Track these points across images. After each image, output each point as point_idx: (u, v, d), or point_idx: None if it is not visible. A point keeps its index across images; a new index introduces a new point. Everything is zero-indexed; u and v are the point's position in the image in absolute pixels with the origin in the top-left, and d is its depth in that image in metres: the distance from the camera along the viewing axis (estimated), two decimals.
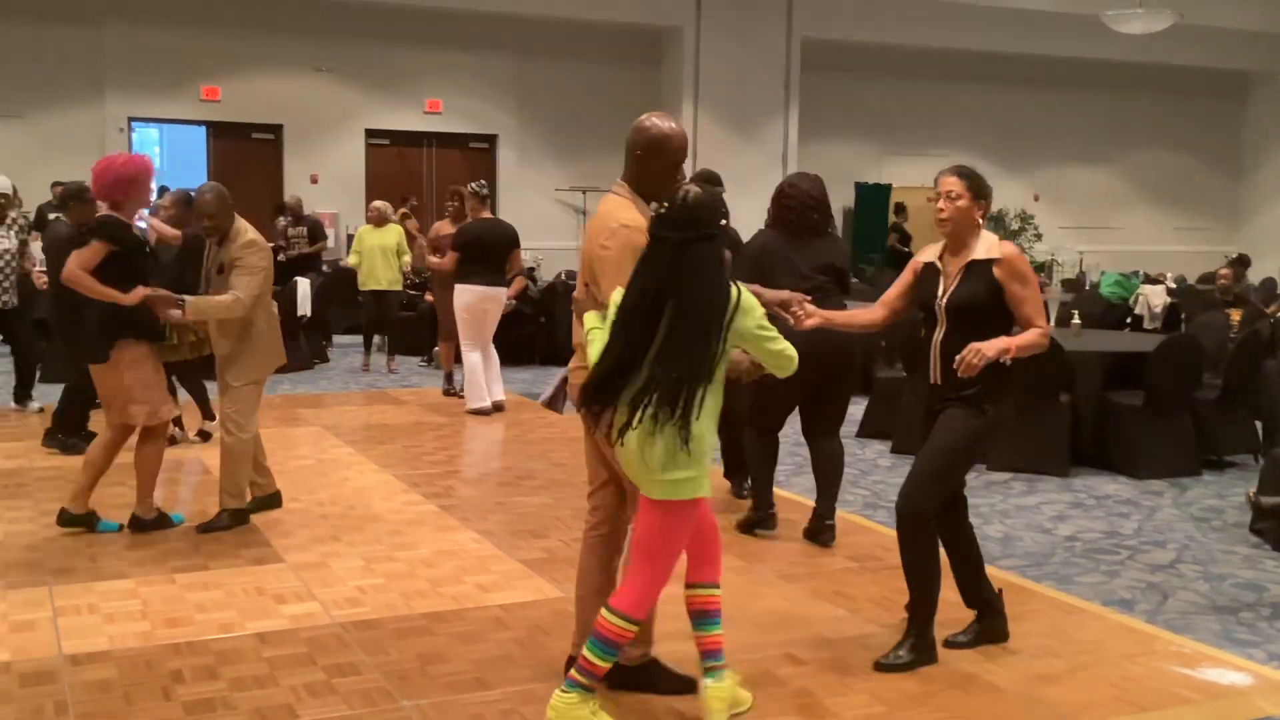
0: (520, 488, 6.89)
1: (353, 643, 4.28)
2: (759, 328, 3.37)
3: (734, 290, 3.34)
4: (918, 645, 4.10)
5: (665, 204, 3.36)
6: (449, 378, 10.02)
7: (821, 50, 17.19)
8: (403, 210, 13.59)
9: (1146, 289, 13.70)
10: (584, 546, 3.91)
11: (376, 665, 4.06)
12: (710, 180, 5.87)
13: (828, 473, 5.71)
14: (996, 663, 4.18)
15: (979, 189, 4.06)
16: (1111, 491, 6.96)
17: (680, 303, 3.26)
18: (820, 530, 5.64)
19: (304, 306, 11.42)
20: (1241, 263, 11.67)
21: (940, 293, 4.08)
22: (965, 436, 4.01)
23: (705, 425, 3.31)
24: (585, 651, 3.41)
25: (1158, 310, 13.26)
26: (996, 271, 3.99)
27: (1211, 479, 7.35)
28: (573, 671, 3.44)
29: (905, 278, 4.29)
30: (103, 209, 5.72)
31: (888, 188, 18.73)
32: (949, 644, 4.22)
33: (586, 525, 3.91)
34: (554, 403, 4.06)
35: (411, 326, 12.79)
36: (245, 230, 5.76)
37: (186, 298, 5.51)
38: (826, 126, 17.48)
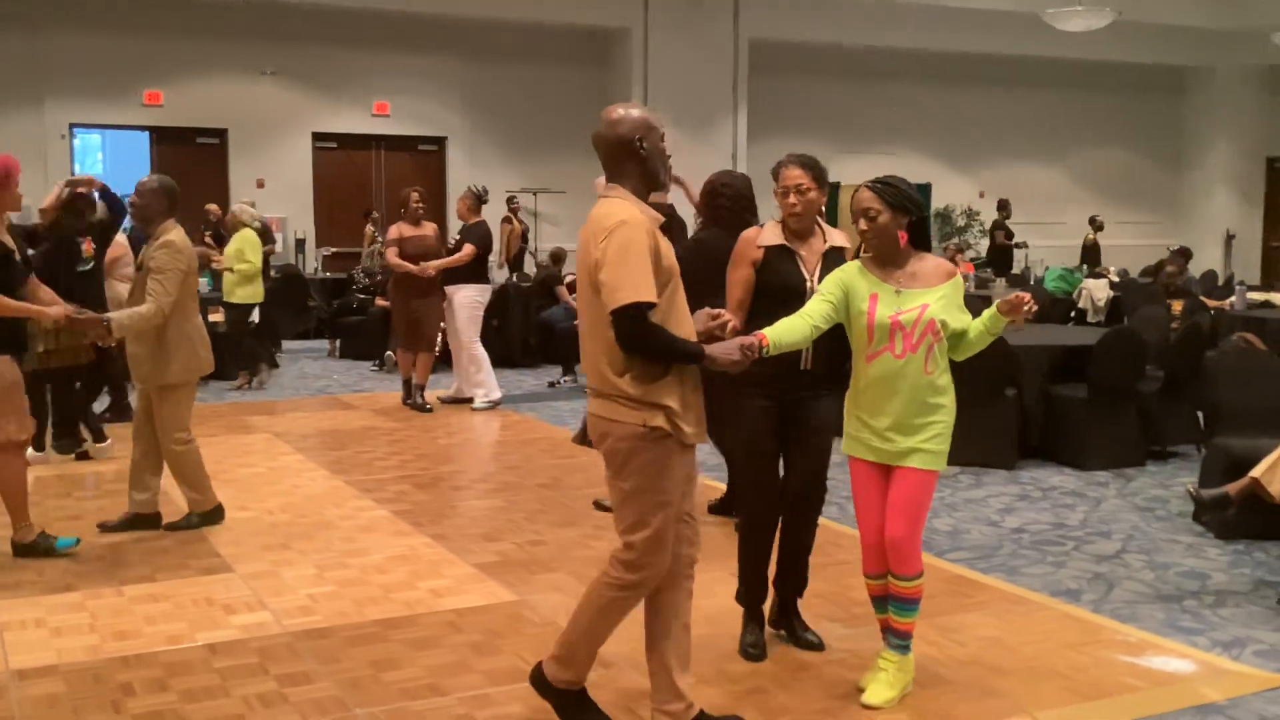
0: (473, 491, 6.88)
1: (305, 651, 4.25)
2: None
3: None
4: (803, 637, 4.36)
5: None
6: (420, 390, 9.50)
7: (769, 50, 17.26)
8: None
9: (1090, 283, 13.90)
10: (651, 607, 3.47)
11: (329, 674, 4.04)
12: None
13: None
14: (945, 654, 4.23)
15: (821, 177, 4.12)
16: (1057, 483, 7.05)
17: None
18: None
19: (252, 312, 11.29)
20: (1183, 255, 11.89)
21: (807, 276, 4.09)
22: (837, 425, 4.04)
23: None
24: (896, 617, 3.82)
25: (1101, 304, 13.46)
26: (849, 258, 4.03)
27: (1155, 469, 7.48)
28: (888, 638, 3.86)
29: (744, 275, 4.15)
30: None
31: (836, 186, 18.85)
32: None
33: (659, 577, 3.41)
34: (580, 436, 3.77)
35: (362, 330, 12.73)
36: (167, 230, 5.58)
37: (111, 316, 5.40)
38: (775, 126, 17.55)
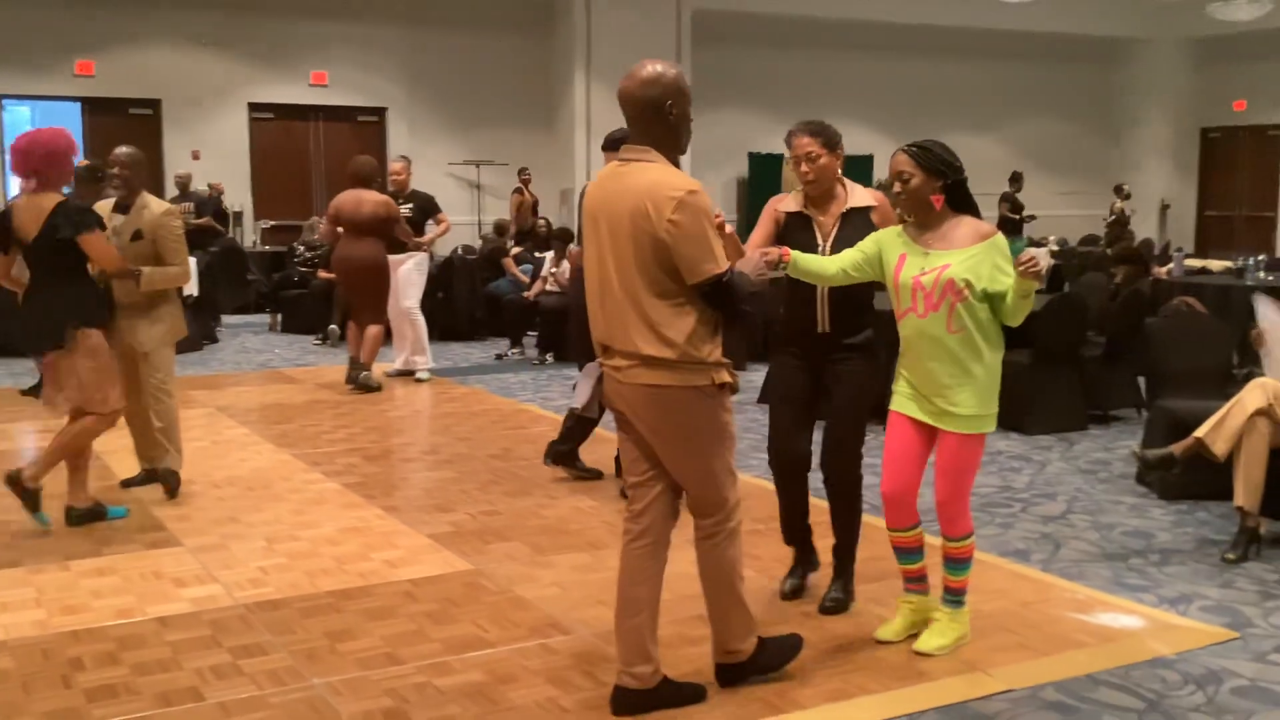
0: (424, 462, 6.83)
1: (258, 623, 4.20)
2: None
3: None
4: (849, 581, 4.39)
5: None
6: (366, 366, 9.00)
7: (713, 21, 17.22)
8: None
9: (1031, 251, 14.04)
10: (630, 562, 3.45)
11: (284, 645, 4.00)
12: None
13: None
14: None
15: (832, 141, 4.14)
16: (1003, 448, 7.14)
17: None
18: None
19: (191, 286, 11.09)
20: (1122, 224, 12.05)
21: (821, 241, 4.16)
22: (869, 379, 4.20)
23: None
24: (947, 575, 3.93)
25: (1042, 272, 13.60)
26: (874, 217, 4.15)
27: (1098, 433, 7.60)
28: (944, 595, 3.96)
29: (767, 227, 4.27)
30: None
31: (780, 157, 18.90)
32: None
33: (627, 535, 3.47)
34: (590, 407, 3.74)
35: (304, 304, 12.57)
36: (147, 199, 5.78)
37: (142, 270, 5.56)
38: (719, 97, 17.52)
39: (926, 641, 3.95)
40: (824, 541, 4.49)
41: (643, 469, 3.46)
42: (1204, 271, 11.36)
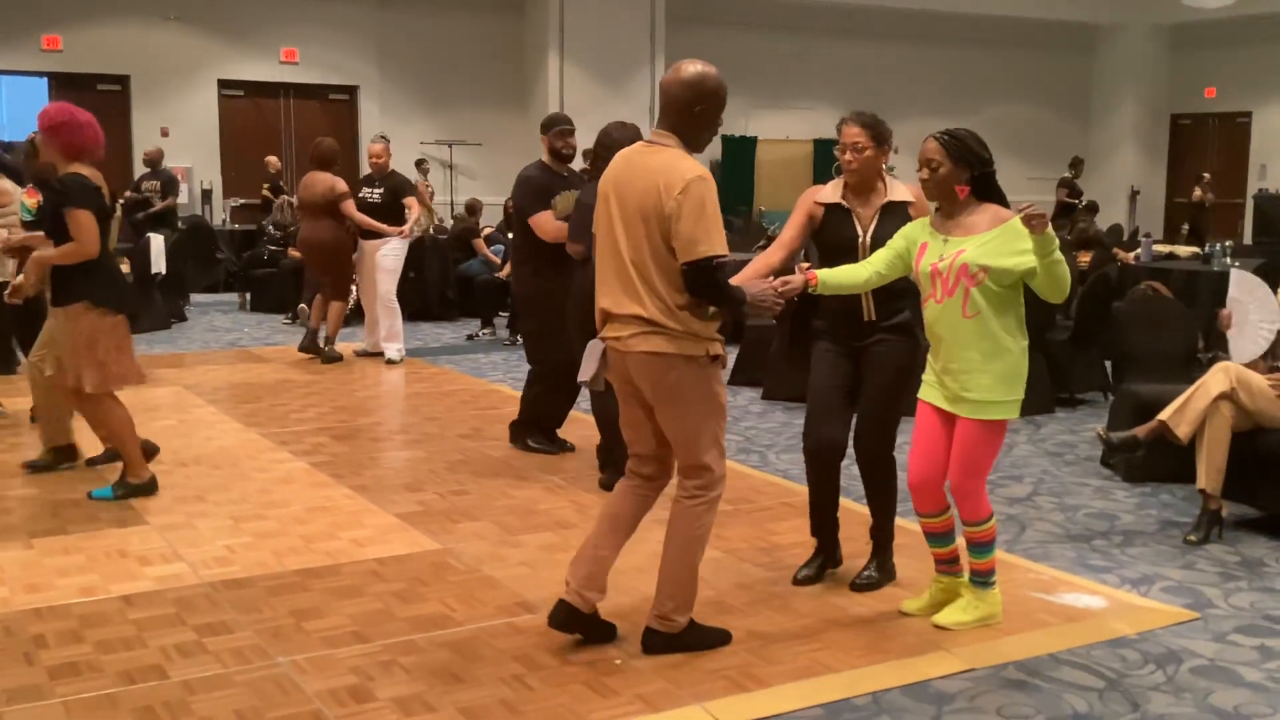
0: (393, 442, 6.81)
1: (223, 602, 4.19)
2: None
3: None
4: (887, 565, 4.45)
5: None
6: (330, 340, 9.39)
7: (687, 2, 17.18)
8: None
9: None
10: (631, 497, 3.78)
11: (249, 623, 3.98)
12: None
13: None
14: (866, 594, 4.31)
15: (881, 136, 4.18)
16: None
17: None
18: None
19: (158, 264, 11.01)
20: (1090, 210, 12.14)
21: (861, 232, 4.21)
22: (907, 360, 4.25)
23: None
24: (971, 558, 3.98)
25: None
26: (911, 212, 4.20)
27: (1064, 416, 7.66)
28: (970, 575, 4.02)
29: (799, 219, 4.34)
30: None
31: (753, 140, 18.90)
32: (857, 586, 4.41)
33: (631, 479, 3.79)
34: (596, 380, 3.79)
35: (273, 283, 12.49)
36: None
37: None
38: None
39: (947, 615, 4.00)
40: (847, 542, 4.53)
41: (646, 440, 3.74)
42: (1170, 257, 11.45)
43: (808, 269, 3.94)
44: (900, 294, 4.23)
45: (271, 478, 5.89)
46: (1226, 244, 11.00)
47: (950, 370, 3.86)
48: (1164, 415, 5.07)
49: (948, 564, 4.12)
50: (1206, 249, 10.95)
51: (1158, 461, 5.71)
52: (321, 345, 9.38)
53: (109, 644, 3.79)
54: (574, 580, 3.73)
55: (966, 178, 3.83)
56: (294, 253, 11.71)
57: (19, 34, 14.69)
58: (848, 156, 4.18)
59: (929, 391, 3.98)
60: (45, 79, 15.34)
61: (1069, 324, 8.03)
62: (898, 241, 4.00)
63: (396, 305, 9.52)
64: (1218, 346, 6.09)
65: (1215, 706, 3.47)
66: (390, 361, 9.37)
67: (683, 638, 3.74)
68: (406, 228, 9.39)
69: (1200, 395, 5.00)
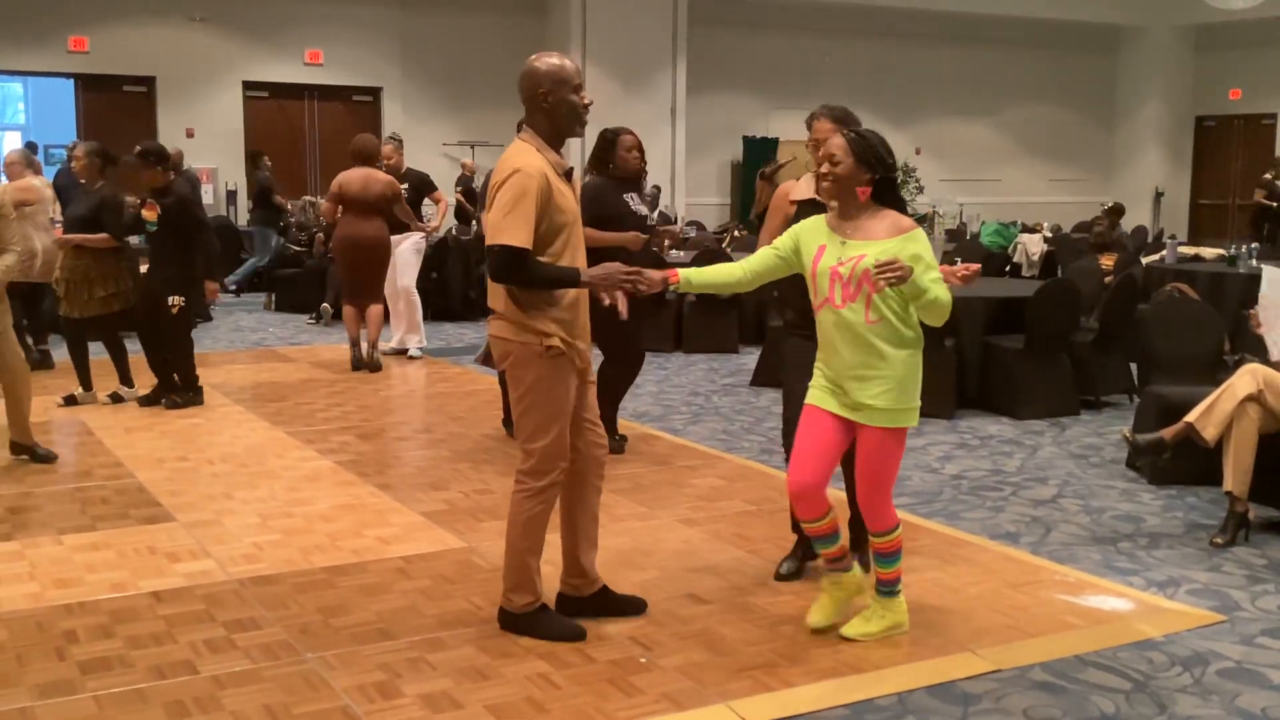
0: (417, 441, 6.84)
1: (252, 598, 4.22)
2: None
3: None
4: (865, 560, 4.33)
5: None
6: (374, 346, 9.03)
7: (709, 3, 17.19)
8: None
9: (1024, 238, 14.11)
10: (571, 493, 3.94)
11: (277, 619, 4.01)
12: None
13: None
14: None
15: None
16: (995, 432, 7.17)
17: None
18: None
19: None
20: (1116, 212, 12.05)
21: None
22: None
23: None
24: (880, 568, 3.91)
25: (1035, 258, 13.66)
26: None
27: (1089, 418, 7.63)
28: (876, 585, 3.93)
29: (776, 224, 4.32)
30: None
31: (774, 141, 18.89)
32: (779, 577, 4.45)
33: (563, 475, 3.85)
34: (489, 359, 4.02)
35: (298, 283, 12.56)
36: None
37: None
38: (714, 79, 17.51)
39: (854, 627, 3.90)
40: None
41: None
42: (1196, 259, 11.39)
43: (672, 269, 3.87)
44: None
45: (298, 476, 5.93)
46: (1252, 245, 10.92)
47: (851, 376, 3.73)
48: (1190, 417, 5.05)
49: (837, 560, 3.96)
50: (1232, 250, 10.87)
51: (1184, 464, 5.68)
52: (365, 356, 9.01)
53: (139, 639, 3.82)
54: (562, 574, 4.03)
55: (868, 179, 3.72)
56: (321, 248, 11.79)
57: (46, 35, 14.81)
58: (821, 152, 4.07)
59: (820, 397, 3.82)
60: (72, 80, 15.47)
61: (1094, 326, 8.00)
62: (785, 241, 3.87)
63: (417, 297, 9.63)
64: (1244, 348, 6.05)
65: (1242, 709, 3.46)
66: (411, 356, 9.43)
67: (522, 620, 3.88)
68: (434, 224, 9.52)
69: (1227, 397, 4.98)
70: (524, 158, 3.67)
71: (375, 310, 9.05)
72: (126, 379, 7.65)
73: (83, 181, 7.59)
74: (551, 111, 3.74)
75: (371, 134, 9.88)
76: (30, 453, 6.08)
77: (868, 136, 3.76)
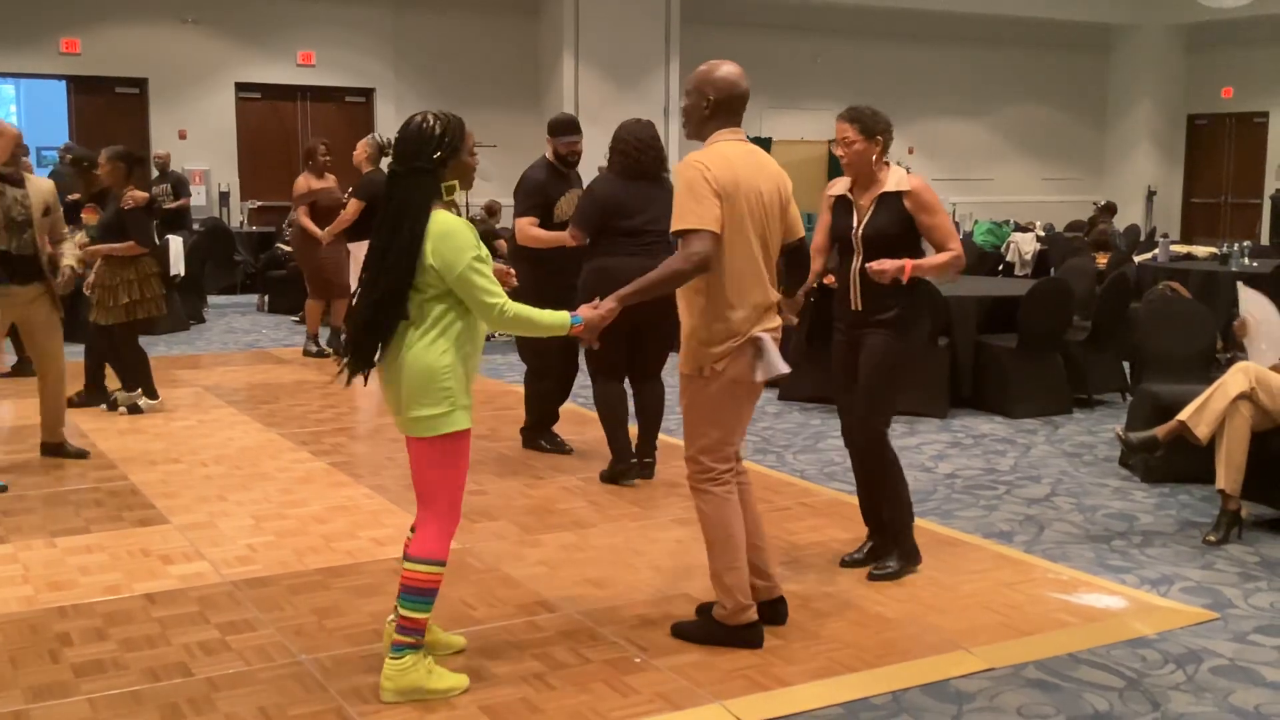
0: None
1: (246, 600, 4.22)
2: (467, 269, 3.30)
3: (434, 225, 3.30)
4: (903, 553, 4.47)
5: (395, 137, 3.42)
6: (315, 339, 9.87)
7: (701, 2, 17.19)
8: None
9: (1017, 237, 14.13)
10: (740, 501, 3.97)
11: (272, 621, 4.01)
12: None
13: (646, 411, 5.91)
14: (884, 594, 4.31)
15: (869, 128, 4.31)
16: (988, 431, 7.18)
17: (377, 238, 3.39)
18: (633, 469, 5.83)
19: (177, 265, 11.07)
20: (1109, 210, 12.11)
21: (855, 224, 4.36)
22: (891, 356, 4.31)
23: (435, 361, 3.35)
24: (402, 610, 3.37)
25: (1028, 257, 13.68)
26: (906, 203, 4.31)
27: (1082, 417, 7.64)
28: (396, 635, 3.39)
29: (825, 219, 4.54)
30: None
31: (768, 141, 18.89)
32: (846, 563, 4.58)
33: (726, 487, 3.93)
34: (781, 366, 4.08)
35: (291, 285, 12.53)
36: None
37: None
38: None
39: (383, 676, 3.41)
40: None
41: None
42: (1188, 258, 11.41)
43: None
44: (892, 292, 4.27)
45: (292, 477, 5.92)
46: (1244, 244, 10.95)
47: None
48: (1183, 415, 5.06)
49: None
50: (1224, 248, 10.90)
51: (1177, 462, 5.70)
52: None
53: (133, 642, 3.82)
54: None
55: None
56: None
57: (38, 37, 14.77)
58: (840, 151, 4.37)
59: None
60: (64, 82, 15.42)
61: (1087, 325, 8.01)
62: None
63: None
64: (1236, 348, 6.07)
65: (1236, 706, 3.47)
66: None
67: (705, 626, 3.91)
68: (326, 233, 9.36)
69: (1219, 395, 4.99)
70: (694, 153, 3.95)
71: (338, 303, 9.50)
72: (150, 389, 7.46)
73: (109, 187, 7.30)
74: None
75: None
76: (60, 451, 6.18)
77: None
